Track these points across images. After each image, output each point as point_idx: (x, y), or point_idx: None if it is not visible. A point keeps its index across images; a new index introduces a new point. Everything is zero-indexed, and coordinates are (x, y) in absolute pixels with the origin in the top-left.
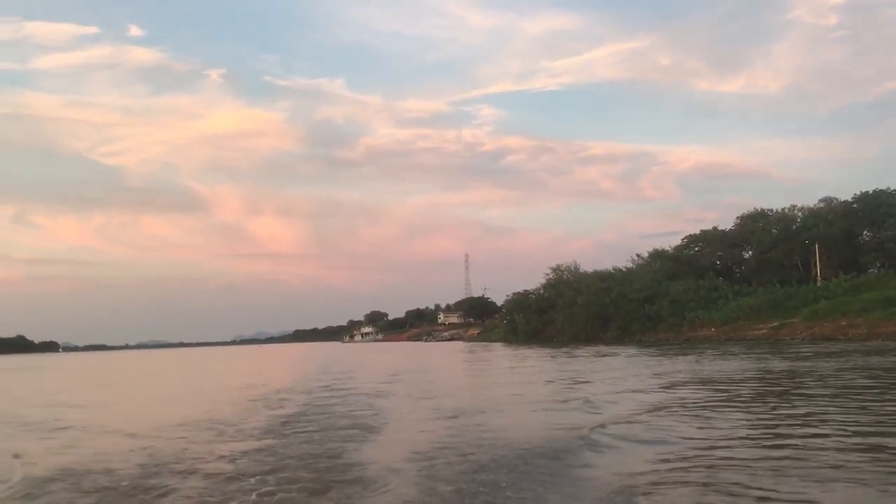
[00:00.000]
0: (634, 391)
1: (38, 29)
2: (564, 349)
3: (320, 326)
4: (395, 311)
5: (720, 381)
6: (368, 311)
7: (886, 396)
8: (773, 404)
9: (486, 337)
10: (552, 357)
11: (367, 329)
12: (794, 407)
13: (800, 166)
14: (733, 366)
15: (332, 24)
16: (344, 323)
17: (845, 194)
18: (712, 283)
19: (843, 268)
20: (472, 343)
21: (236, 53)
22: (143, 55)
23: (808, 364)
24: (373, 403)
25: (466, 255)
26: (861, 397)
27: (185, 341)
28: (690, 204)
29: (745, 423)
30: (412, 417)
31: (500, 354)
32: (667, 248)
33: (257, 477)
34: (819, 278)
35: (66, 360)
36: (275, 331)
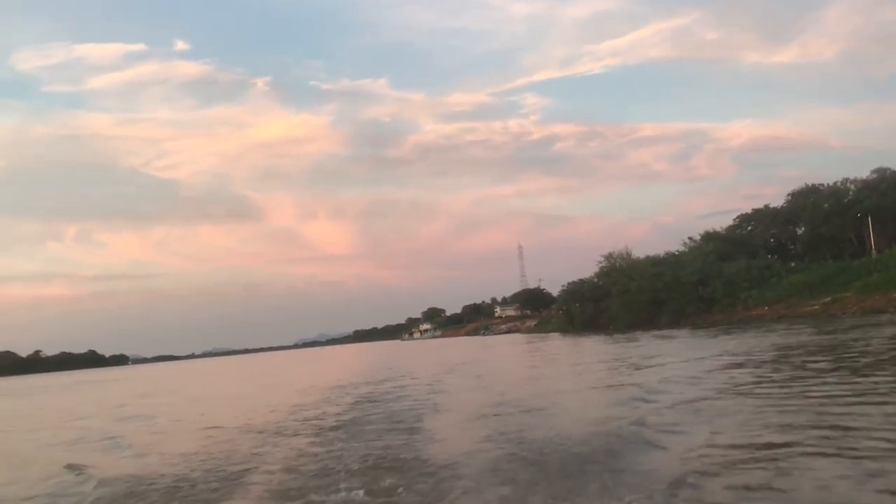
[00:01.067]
0: (688, 376)
1: (90, 50)
2: (620, 336)
3: (379, 326)
4: (452, 307)
5: (759, 359)
6: (426, 309)
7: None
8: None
9: (542, 328)
10: (608, 344)
11: (425, 326)
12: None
13: (859, 134)
14: (765, 342)
15: (372, 25)
16: (402, 321)
17: None
18: (765, 263)
19: None
20: (528, 335)
21: (281, 61)
22: (190, 69)
23: (846, 336)
24: (442, 390)
25: (520, 247)
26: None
27: (249, 347)
28: (747, 180)
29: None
30: (476, 403)
31: (557, 344)
32: (718, 229)
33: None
34: (873, 251)
35: (140, 371)
36: (335, 332)
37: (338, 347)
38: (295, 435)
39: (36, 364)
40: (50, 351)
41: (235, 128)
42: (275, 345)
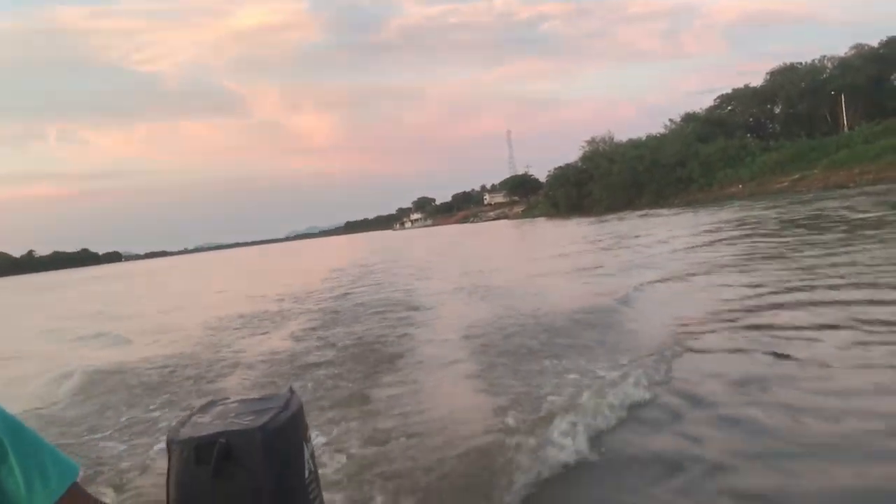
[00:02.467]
0: (668, 250)
1: None
2: (602, 217)
3: (370, 216)
4: (443, 196)
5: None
6: (416, 198)
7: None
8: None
9: (529, 213)
10: (590, 225)
11: (416, 215)
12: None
13: (856, 4)
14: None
15: None
16: (393, 211)
17: None
18: (740, 143)
19: (872, 115)
20: (516, 220)
21: None
22: None
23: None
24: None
25: (508, 132)
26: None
27: (240, 241)
28: (737, 57)
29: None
30: (461, 283)
31: (542, 227)
32: (699, 110)
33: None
34: (846, 128)
35: (134, 267)
36: (326, 224)
37: (330, 239)
38: (302, 314)
39: (29, 264)
40: (43, 251)
41: (213, 17)
42: (266, 238)
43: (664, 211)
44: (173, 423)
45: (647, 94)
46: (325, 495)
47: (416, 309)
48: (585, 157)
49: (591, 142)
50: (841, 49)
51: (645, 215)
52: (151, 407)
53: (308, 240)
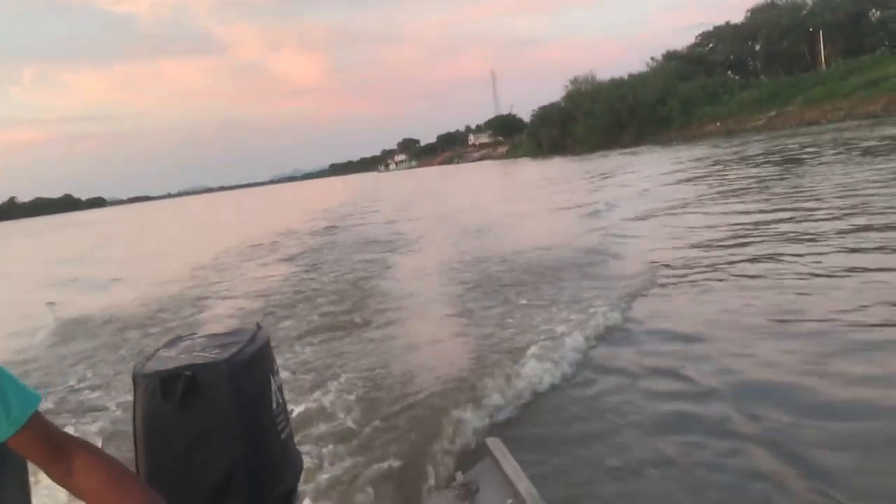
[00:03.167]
0: (641, 189)
1: None
2: (585, 156)
3: (354, 159)
4: (427, 137)
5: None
6: (401, 140)
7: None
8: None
9: (513, 154)
10: (573, 163)
11: (400, 157)
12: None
13: None
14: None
15: None
16: (377, 153)
17: None
18: (719, 80)
19: (850, 52)
20: (500, 161)
21: None
22: None
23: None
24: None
25: (493, 73)
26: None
27: (224, 185)
28: None
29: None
30: (445, 224)
31: (525, 166)
32: (680, 48)
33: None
34: (824, 65)
35: (117, 213)
36: (310, 167)
37: (315, 181)
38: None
39: (11, 211)
40: (25, 197)
41: None
42: (250, 181)
43: (643, 149)
44: (139, 358)
45: (634, 31)
46: (299, 430)
47: (395, 249)
48: (568, 97)
49: (575, 81)
50: None
51: (626, 154)
52: (121, 345)
53: (293, 183)
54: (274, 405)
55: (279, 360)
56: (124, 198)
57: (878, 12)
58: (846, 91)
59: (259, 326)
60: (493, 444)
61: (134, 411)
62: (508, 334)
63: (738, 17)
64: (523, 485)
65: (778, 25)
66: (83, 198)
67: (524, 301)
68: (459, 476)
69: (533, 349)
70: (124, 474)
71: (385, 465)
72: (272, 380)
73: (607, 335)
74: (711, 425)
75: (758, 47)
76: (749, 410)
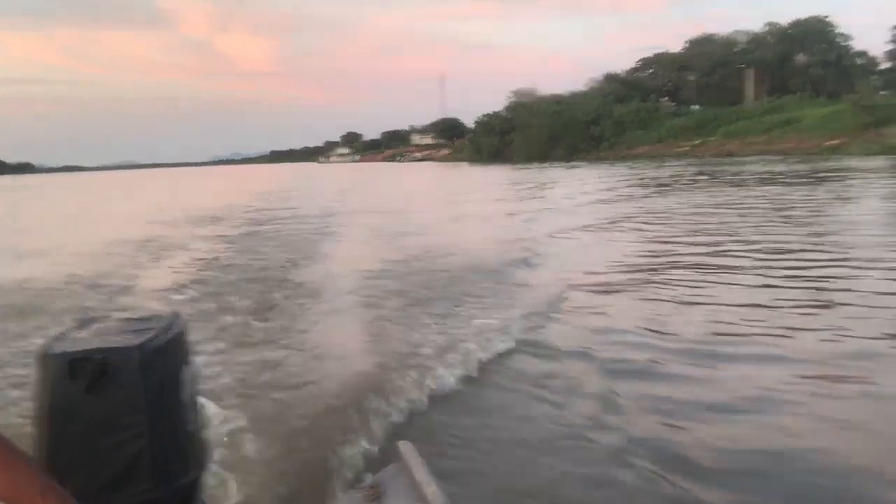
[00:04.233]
0: (572, 204)
1: None
2: (519, 167)
3: (297, 147)
4: (371, 133)
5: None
6: (345, 132)
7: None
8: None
9: (454, 158)
10: (506, 172)
11: (343, 150)
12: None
13: None
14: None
15: None
16: (320, 144)
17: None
18: (653, 106)
19: (776, 91)
20: (440, 163)
21: None
22: None
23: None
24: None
25: (442, 75)
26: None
27: (160, 162)
28: (676, 16)
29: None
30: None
31: (464, 171)
32: (620, 71)
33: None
34: (750, 100)
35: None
36: (250, 151)
37: (255, 167)
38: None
39: None
40: None
41: None
42: (187, 161)
43: (575, 165)
44: (48, 338)
45: (584, 48)
46: (205, 423)
47: (321, 243)
48: (510, 108)
49: (517, 93)
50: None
51: (560, 168)
52: (25, 321)
53: (231, 166)
54: (185, 395)
55: (196, 350)
56: (55, 166)
57: (804, 56)
58: (764, 128)
59: (177, 314)
60: (404, 447)
61: (38, 393)
62: (422, 338)
63: (679, 47)
64: (431, 489)
65: (711, 58)
66: (10, 161)
67: (439, 306)
68: (367, 478)
69: (446, 353)
70: (14, 455)
71: (291, 464)
72: (186, 369)
73: (518, 344)
74: (605, 431)
75: (692, 77)
76: (635, 420)
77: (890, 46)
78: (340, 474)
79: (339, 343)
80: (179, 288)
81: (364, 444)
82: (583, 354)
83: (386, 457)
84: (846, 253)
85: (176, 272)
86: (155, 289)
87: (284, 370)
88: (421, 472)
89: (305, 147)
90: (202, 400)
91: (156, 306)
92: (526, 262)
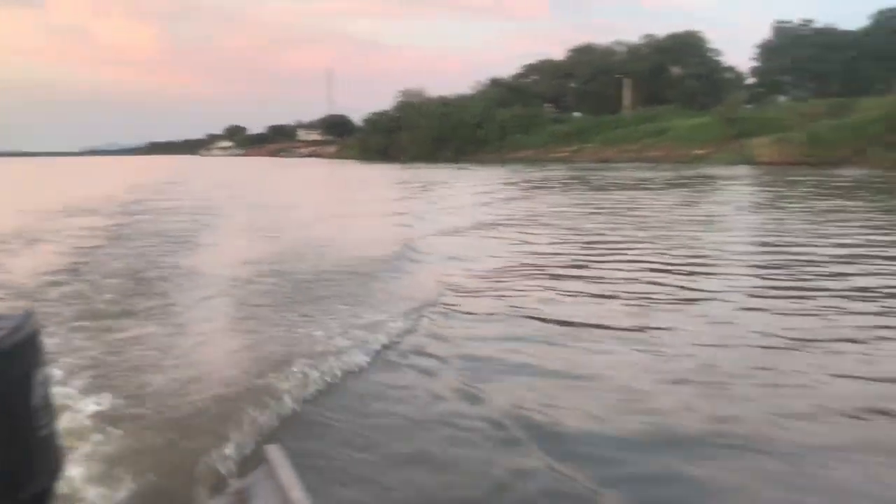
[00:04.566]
0: (453, 205)
1: None
2: (406, 166)
3: (177, 139)
4: (256, 127)
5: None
6: (228, 126)
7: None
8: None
9: (341, 154)
10: (393, 171)
11: (226, 143)
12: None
13: None
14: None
15: None
16: (202, 136)
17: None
18: (535, 111)
19: (651, 101)
20: (328, 160)
21: None
22: None
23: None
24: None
25: (330, 71)
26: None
27: (27, 150)
28: (563, 24)
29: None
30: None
31: (351, 168)
32: (506, 76)
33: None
34: (627, 109)
35: None
36: (127, 142)
37: (132, 158)
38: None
39: None
40: None
41: None
42: (58, 150)
43: (461, 166)
44: None
45: (473, 52)
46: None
47: (195, 239)
48: (398, 107)
49: (405, 93)
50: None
51: (446, 168)
52: None
53: (107, 157)
54: (36, 400)
55: (53, 351)
56: None
57: (678, 69)
58: (638, 136)
59: (29, 312)
60: (272, 450)
61: None
62: (296, 337)
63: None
64: (296, 493)
65: (591, 67)
66: None
67: (313, 305)
68: (233, 483)
69: (319, 352)
70: None
71: (155, 471)
72: (37, 372)
73: (392, 342)
74: (485, 430)
75: (573, 85)
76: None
77: (754, 63)
78: (207, 480)
79: (208, 343)
80: (39, 284)
81: (232, 447)
82: (454, 349)
83: (255, 461)
84: (665, 248)
85: (36, 267)
86: (8, 286)
87: (150, 371)
88: (288, 476)
89: (186, 139)
90: (57, 403)
91: (5, 305)
92: (405, 260)
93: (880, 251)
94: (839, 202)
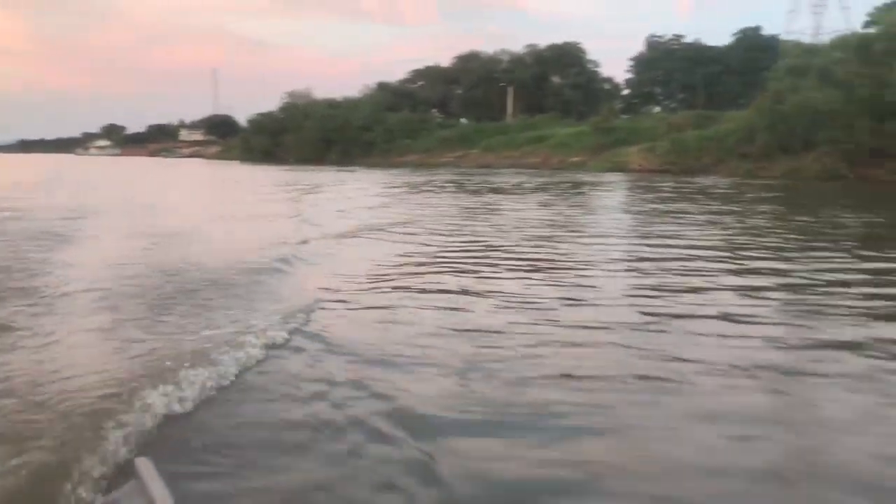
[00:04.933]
0: (336, 209)
1: None
2: (291, 168)
3: (50, 137)
4: (136, 126)
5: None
6: (105, 124)
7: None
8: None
9: (225, 155)
10: (277, 173)
11: (103, 142)
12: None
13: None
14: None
15: None
16: (77, 135)
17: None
18: (421, 117)
19: (533, 109)
20: (210, 160)
21: None
22: None
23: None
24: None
25: (214, 70)
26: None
27: None
28: (453, 31)
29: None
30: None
31: (234, 169)
32: (392, 80)
33: None
34: (510, 117)
35: None
36: None
37: (1, 156)
38: None
39: None
40: None
41: None
42: None
43: (348, 169)
44: None
45: (362, 56)
46: None
47: (64, 241)
48: (284, 109)
49: (291, 94)
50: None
51: (332, 171)
52: None
53: None
54: None
55: None
56: None
57: (558, 79)
58: (519, 143)
59: None
60: (141, 463)
61: None
62: (169, 345)
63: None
64: None
65: (476, 75)
66: None
67: (188, 310)
68: (99, 499)
69: (194, 360)
70: None
71: (18, 487)
72: None
73: (271, 346)
74: (370, 431)
75: (459, 91)
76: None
77: (629, 75)
78: (71, 497)
79: (75, 348)
80: None
81: (97, 462)
82: (332, 352)
83: (124, 475)
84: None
85: None
86: None
87: (12, 381)
88: (158, 490)
89: (60, 137)
90: None
91: None
92: (284, 264)
93: (684, 238)
94: (681, 205)
